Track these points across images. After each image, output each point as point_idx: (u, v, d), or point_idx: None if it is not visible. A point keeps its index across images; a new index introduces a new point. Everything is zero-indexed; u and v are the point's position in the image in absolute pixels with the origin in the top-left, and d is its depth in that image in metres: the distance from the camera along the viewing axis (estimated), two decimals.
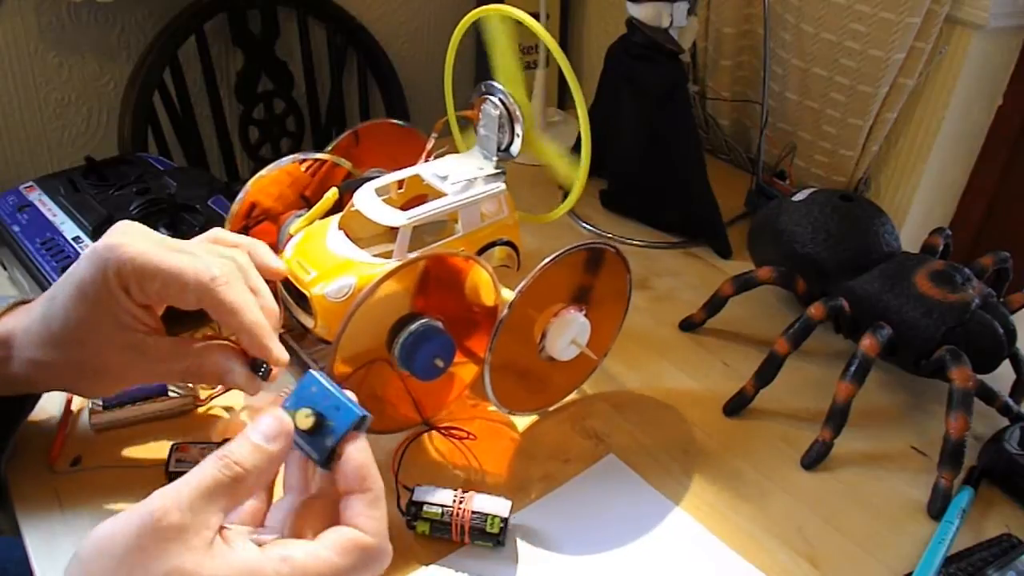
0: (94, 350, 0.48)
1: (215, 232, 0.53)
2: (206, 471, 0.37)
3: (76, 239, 0.67)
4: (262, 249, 0.52)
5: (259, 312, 0.48)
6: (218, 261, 0.48)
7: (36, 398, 0.56)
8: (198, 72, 1.18)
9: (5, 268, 0.74)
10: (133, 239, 0.46)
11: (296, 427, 0.40)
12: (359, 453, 0.40)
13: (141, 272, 0.45)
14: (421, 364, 0.53)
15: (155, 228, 0.68)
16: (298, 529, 0.40)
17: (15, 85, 1.07)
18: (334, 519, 0.40)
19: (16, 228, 0.69)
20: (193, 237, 0.68)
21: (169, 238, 0.48)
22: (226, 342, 0.50)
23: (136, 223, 0.48)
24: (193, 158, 1.20)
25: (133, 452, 0.57)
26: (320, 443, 0.40)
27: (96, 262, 0.45)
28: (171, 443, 0.57)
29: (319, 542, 0.38)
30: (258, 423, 0.40)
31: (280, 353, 0.48)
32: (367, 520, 0.39)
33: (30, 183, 0.75)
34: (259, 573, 0.36)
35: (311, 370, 0.42)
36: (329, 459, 0.40)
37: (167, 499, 0.35)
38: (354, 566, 0.38)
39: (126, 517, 0.35)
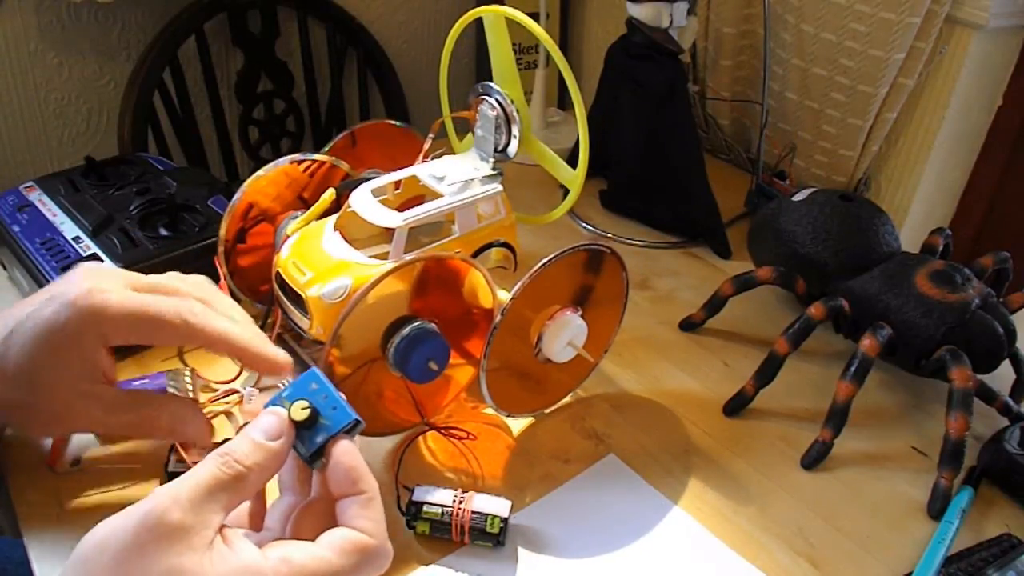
0: (47, 394, 0.47)
1: (172, 275, 0.51)
2: (207, 469, 0.37)
3: (76, 239, 0.67)
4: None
5: (248, 327, 0.48)
6: (192, 289, 0.48)
7: None
8: (198, 72, 1.18)
9: (5, 268, 0.74)
10: (113, 285, 0.46)
11: (289, 417, 0.40)
12: (347, 456, 0.40)
13: (126, 319, 0.45)
14: (415, 367, 0.53)
15: (155, 228, 0.69)
16: (299, 534, 0.40)
17: (15, 85, 1.07)
18: (332, 521, 0.40)
19: (16, 228, 0.69)
20: (193, 237, 0.68)
21: (135, 275, 0.48)
22: (181, 395, 0.50)
23: (102, 265, 0.49)
24: (193, 158, 1.20)
25: (133, 452, 0.57)
26: (311, 439, 0.40)
27: (75, 310, 0.45)
28: (171, 443, 0.57)
29: (318, 543, 0.38)
30: (258, 421, 0.40)
31: (283, 357, 0.49)
32: (365, 521, 0.39)
33: (30, 183, 0.75)
34: (259, 574, 0.36)
35: (313, 367, 0.42)
36: (315, 456, 0.40)
37: (167, 497, 0.35)
38: (355, 567, 0.38)
39: (124, 516, 0.35)
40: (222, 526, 0.37)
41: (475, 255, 0.63)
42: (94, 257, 0.65)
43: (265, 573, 0.36)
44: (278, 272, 0.57)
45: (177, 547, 0.34)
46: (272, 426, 0.39)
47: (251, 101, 1.26)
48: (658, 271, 0.84)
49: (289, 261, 0.56)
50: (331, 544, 0.38)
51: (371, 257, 0.56)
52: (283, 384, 0.42)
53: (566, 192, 0.66)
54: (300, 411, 0.40)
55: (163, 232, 0.69)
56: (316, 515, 0.41)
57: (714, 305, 0.74)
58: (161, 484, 0.54)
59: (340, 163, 0.68)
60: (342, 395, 0.41)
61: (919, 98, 0.92)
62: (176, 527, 0.34)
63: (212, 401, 0.61)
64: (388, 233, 0.56)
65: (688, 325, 0.75)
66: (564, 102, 1.30)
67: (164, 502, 0.35)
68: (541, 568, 0.52)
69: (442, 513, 0.52)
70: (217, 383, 0.63)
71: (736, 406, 0.65)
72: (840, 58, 0.92)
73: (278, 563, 0.36)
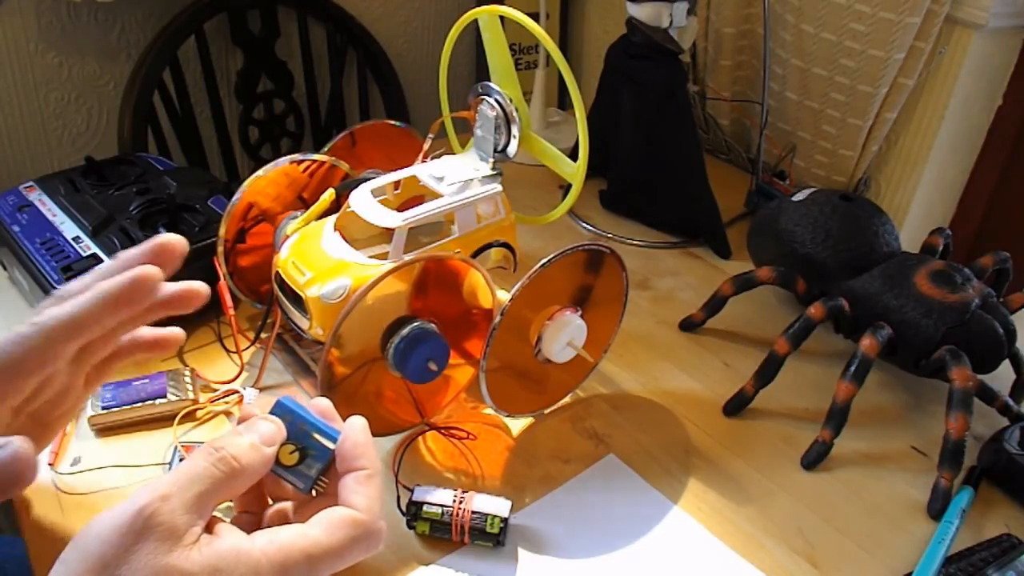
0: None
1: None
2: (200, 468, 0.37)
3: (76, 239, 0.67)
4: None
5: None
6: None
7: None
8: (198, 72, 1.18)
9: (5, 268, 0.74)
10: None
11: (278, 460, 0.40)
12: (356, 432, 0.41)
13: None
14: (414, 367, 0.53)
15: (155, 228, 0.69)
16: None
17: (15, 85, 1.07)
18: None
19: (16, 228, 0.69)
20: (193, 237, 0.68)
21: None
22: None
23: None
24: (193, 158, 1.20)
25: (133, 452, 0.57)
26: (303, 474, 0.41)
27: None
28: (172, 444, 0.57)
29: (307, 523, 0.38)
30: (257, 425, 0.40)
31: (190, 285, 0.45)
32: (356, 496, 0.39)
33: (30, 183, 0.75)
34: (246, 556, 0.36)
35: (282, 399, 0.42)
36: (313, 486, 0.41)
37: (157, 498, 0.35)
38: (342, 543, 0.38)
39: (112, 516, 0.34)
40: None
41: (475, 255, 0.63)
42: (94, 257, 0.65)
43: (252, 554, 0.36)
44: (278, 272, 0.57)
45: (165, 545, 0.34)
46: (271, 432, 0.40)
47: (251, 101, 1.26)
48: (658, 271, 0.84)
49: (289, 261, 0.56)
50: (318, 522, 0.38)
51: (371, 257, 0.56)
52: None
53: (566, 193, 0.66)
54: (289, 455, 0.41)
55: (163, 232, 0.69)
56: (318, 508, 0.40)
57: (714, 305, 0.74)
58: None
59: (340, 163, 0.68)
60: (316, 403, 0.42)
61: (919, 98, 0.92)
62: (167, 530, 0.34)
63: (212, 401, 0.61)
64: (388, 233, 0.56)
65: (688, 325, 0.75)
66: (564, 102, 1.30)
67: (154, 503, 0.34)
68: (541, 568, 0.52)
69: (442, 513, 0.52)
70: (217, 383, 0.63)
71: (736, 406, 0.65)
72: (840, 58, 0.92)
73: (265, 544, 0.36)
